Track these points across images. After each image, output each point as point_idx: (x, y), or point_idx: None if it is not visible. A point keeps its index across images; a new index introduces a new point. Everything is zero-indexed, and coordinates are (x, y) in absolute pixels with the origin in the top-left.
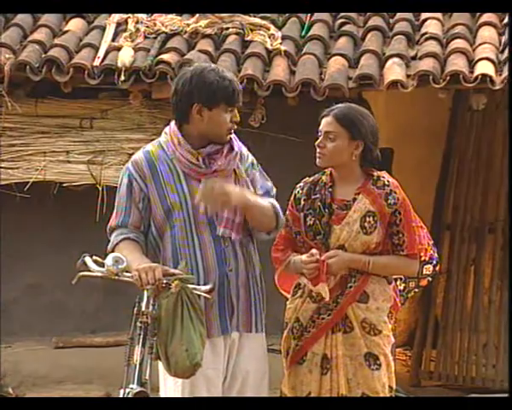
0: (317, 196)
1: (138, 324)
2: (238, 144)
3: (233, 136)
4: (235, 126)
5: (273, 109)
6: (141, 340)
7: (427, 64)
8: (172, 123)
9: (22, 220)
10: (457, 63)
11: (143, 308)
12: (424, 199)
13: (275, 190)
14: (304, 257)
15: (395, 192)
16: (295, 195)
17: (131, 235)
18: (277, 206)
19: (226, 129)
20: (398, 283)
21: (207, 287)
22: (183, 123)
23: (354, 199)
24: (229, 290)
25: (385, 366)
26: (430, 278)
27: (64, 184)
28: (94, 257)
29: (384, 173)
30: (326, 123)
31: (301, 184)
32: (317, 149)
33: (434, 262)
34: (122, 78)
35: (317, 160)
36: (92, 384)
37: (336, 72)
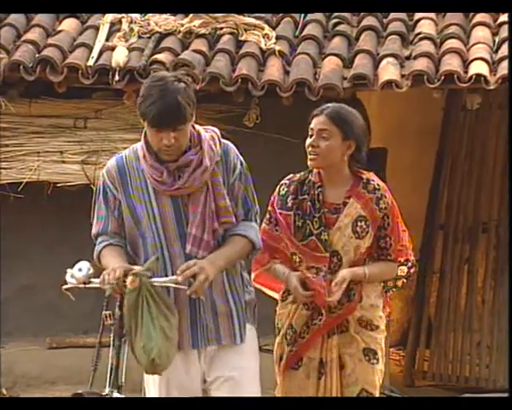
0: (306, 196)
1: (108, 326)
2: (226, 149)
3: (206, 146)
4: (170, 148)
5: (267, 109)
6: (111, 342)
7: (422, 64)
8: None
9: (16, 220)
10: (452, 63)
11: (108, 310)
12: (417, 199)
13: (257, 207)
14: (300, 291)
15: (385, 196)
16: (279, 192)
17: (113, 241)
18: (254, 231)
19: (157, 148)
20: None
21: (172, 278)
22: None
23: (344, 203)
24: (202, 304)
25: (381, 360)
26: (405, 280)
27: (58, 185)
28: (69, 270)
29: (373, 176)
30: (318, 122)
31: (286, 181)
32: (310, 149)
33: (410, 264)
34: (116, 77)
35: (310, 162)
36: (85, 385)
37: (330, 72)
